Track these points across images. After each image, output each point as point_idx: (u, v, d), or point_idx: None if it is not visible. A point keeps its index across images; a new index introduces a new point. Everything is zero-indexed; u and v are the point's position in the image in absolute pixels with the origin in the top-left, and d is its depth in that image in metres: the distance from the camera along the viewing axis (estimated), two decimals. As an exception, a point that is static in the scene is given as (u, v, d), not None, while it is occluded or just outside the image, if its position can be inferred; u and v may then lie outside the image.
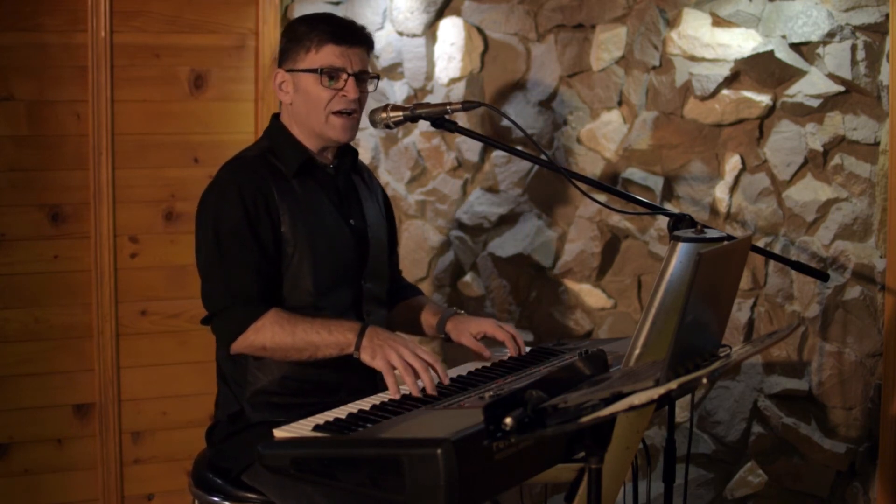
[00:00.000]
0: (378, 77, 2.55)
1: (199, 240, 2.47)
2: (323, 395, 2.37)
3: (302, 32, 2.46)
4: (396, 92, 3.77)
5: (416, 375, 2.21)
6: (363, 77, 2.48)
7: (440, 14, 3.60)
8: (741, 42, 2.80)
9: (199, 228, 2.47)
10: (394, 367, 2.21)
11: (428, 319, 2.64)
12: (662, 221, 3.05)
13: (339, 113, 2.46)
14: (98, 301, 3.48)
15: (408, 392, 2.20)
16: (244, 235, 2.39)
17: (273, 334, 2.34)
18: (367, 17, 3.83)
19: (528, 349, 2.57)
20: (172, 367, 3.59)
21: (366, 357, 2.26)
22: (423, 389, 2.19)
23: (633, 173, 3.12)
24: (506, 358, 2.47)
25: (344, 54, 2.44)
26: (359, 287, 2.53)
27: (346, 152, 2.60)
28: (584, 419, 1.65)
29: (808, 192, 2.76)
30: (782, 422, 2.84)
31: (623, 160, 3.15)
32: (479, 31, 3.49)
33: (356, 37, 2.47)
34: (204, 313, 2.47)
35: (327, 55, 2.44)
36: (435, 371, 2.22)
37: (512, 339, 2.49)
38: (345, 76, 2.44)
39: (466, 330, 2.52)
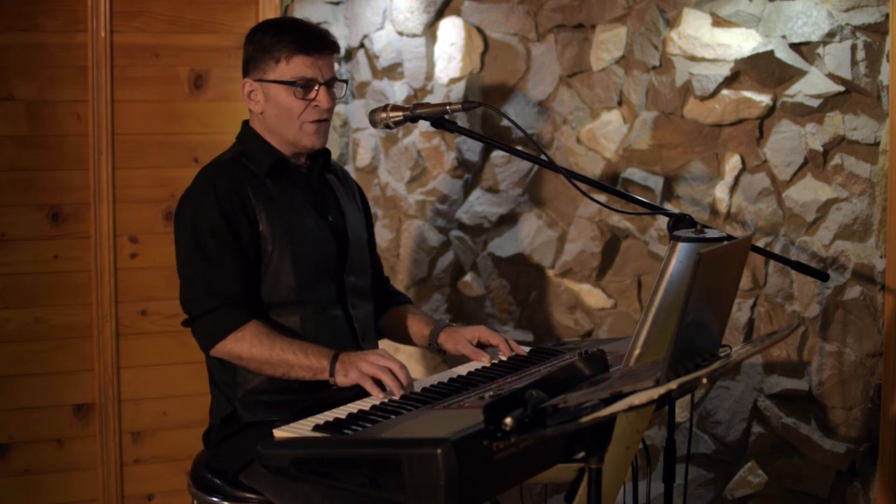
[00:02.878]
0: (346, 81, 2.57)
1: (178, 243, 2.49)
2: (312, 391, 2.39)
3: (269, 42, 2.46)
4: (396, 92, 3.77)
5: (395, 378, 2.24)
6: (332, 83, 2.50)
7: (440, 14, 3.60)
8: (741, 42, 2.80)
9: (178, 232, 2.48)
10: (371, 377, 2.24)
11: (420, 330, 2.66)
12: (662, 221, 3.05)
13: (311, 121, 2.48)
14: (98, 301, 3.49)
15: (392, 395, 2.22)
16: (224, 237, 2.41)
17: (251, 346, 2.36)
18: (367, 17, 3.83)
19: (527, 349, 2.57)
20: (172, 367, 3.59)
21: (340, 379, 2.30)
22: (411, 390, 2.22)
23: (633, 173, 3.12)
24: (504, 358, 2.47)
25: (314, 64, 2.46)
26: (341, 281, 2.54)
27: (319, 153, 2.61)
28: (584, 419, 1.65)
29: (808, 192, 2.76)
30: (782, 422, 2.84)
31: (623, 160, 3.15)
32: (479, 31, 3.49)
33: (324, 44, 2.49)
34: None
35: (298, 66, 2.45)
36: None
37: (505, 343, 2.50)
38: (316, 86, 2.46)
39: (462, 338, 2.54)
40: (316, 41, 2.47)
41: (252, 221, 2.44)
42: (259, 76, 2.48)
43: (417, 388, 2.26)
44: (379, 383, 2.24)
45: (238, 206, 2.43)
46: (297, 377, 2.36)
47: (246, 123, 2.59)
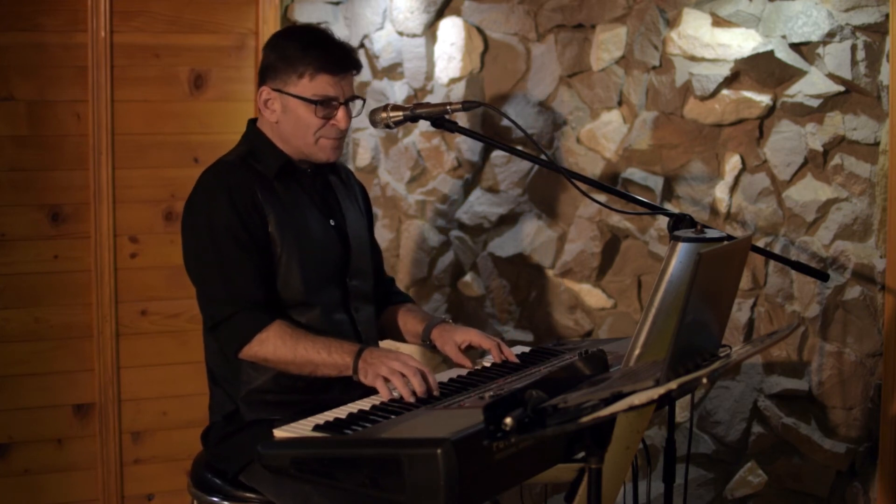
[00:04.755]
0: (364, 100, 2.56)
1: (191, 246, 2.46)
2: (316, 392, 2.38)
3: (293, 55, 2.43)
4: (396, 92, 3.77)
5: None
6: (350, 101, 2.49)
7: (440, 14, 3.60)
8: (741, 42, 2.80)
9: (191, 234, 2.46)
10: (386, 379, 2.23)
11: (414, 327, 2.64)
12: (662, 221, 3.05)
13: (329, 138, 2.47)
14: (98, 301, 3.49)
15: (400, 396, 2.21)
16: (240, 237, 2.39)
17: (275, 348, 2.35)
18: (367, 17, 3.83)
19: (527, 349, 2.56)
20: (172, 367, 3.59)
21: (361, 377, 2.29)
22: (415, 394, 2.20)
23: (633, 173, 3.12)
24: (489, 364, 2.45)
25: (338, 84, 2.44)
26: (344, 285, 2.54)
27: None
28: (584, 419, 1.65)
29: (808, 192, 2.76)
30: (782, 422, 2.84)
31: (623, 160, 3.15)
32: (479, 31, 3.49)
33: (348, 63, 2.47)
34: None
35: (321, 85, 2.43)
36: (425, 379, 2.22)
37: (497, 348, 2.47)
38: (337, 105, 2.45)
39: (451, 339, 2.52)
40: (341, 61, 2.45)
41: (263, 223, 2.42)
42: (279, 87, 2.45)
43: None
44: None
45: (251, 208, 2.41)
46: (322, 375, 2.36)
47: (253, 123, 2.56)
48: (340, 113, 2.45)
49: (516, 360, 2.45)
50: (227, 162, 2.50)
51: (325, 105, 2.43)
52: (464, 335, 2.51)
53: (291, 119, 2.46)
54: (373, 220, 2.79)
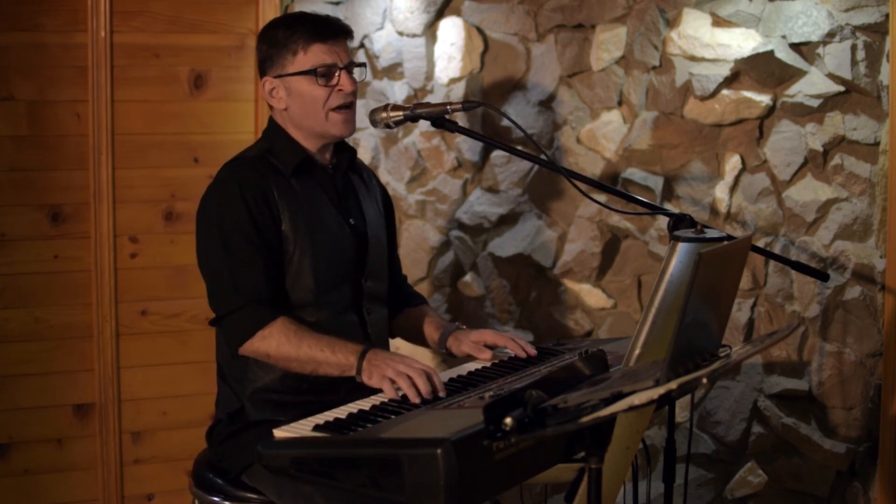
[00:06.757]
0: (364, 65, 2.57)
1: (202, 241, 2.47)
2: (322, 393, 2.38)
3: (283, 37, 2.47)
4: (396, 92, 3.77)
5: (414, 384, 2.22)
6: (351, 68, 2.50)
7: (440, 14, 3.60)
8: (741, 42, 2.80)
9: (202, 229, 2.47)
10: (392, 381, 2.23)
11: (431, 333, 2.65)
12: (662, 221, 3.05)
13: (337, 108, 2.47)
14: (98, 301, 3.49)
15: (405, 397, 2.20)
16: (249, 234, 2.40)
17: (279, 344, 2.35)
18: (367, 17, 3.83)
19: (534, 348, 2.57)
20: (172, 367, 3.59)
21: (365, 378, 2.29)
22: (421, 395, 2.20)
23: (633, 173, 3.12)
24: (506, 358, 2.47)
25: (332, 50, 2.47)
26: (359, 285, 2.54)
27: (344, 151, 2.61)
28: (584, 419, 1.65)
29: (808, 192, 2.76)
30: (782, 422, 2.84)
31: (623, 160, 3.15)
32: (479, 31, 3.49)
33: (338, 30, 2.50)
34: (208, 314, 2.47)
35: (316, 54, 2.45)
36: (431, 380, 2.22)
37: (513, 342, 2.49)
38: (337, 71, 2.46)
39: (466, 340, 2.53)
40: (330, 27, 2.48)
41: (276, 220, 2.43)
42: (278, 72, 2.48)
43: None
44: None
45: (263, 205, 2.42)
46: (325, 374, 2.36)
47: (272, 119, 2.57)
48: (343, 77, 2.47)
49: (534, 352, 2.47)
50: (246, 158, 2.52)
51: (325, 74, 2.45)
52: (478, 335, 2.53)
53: (298, 99, 2.47)
54: (394, 220, 2.79)
